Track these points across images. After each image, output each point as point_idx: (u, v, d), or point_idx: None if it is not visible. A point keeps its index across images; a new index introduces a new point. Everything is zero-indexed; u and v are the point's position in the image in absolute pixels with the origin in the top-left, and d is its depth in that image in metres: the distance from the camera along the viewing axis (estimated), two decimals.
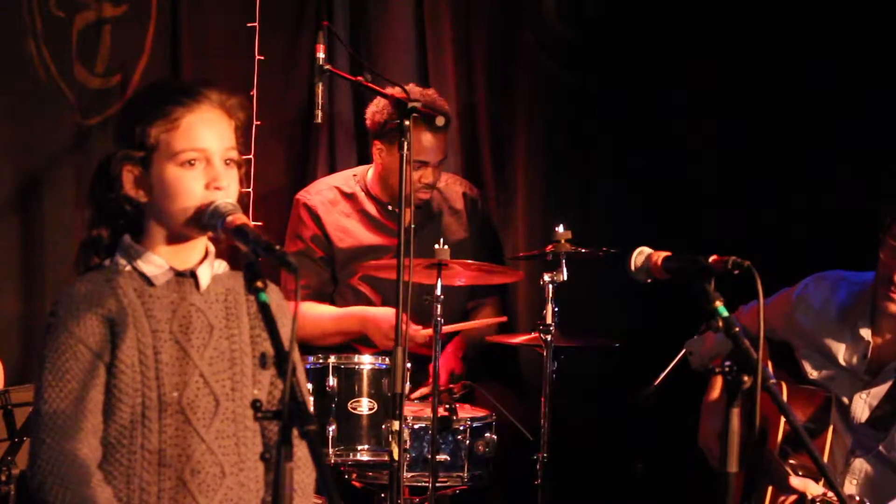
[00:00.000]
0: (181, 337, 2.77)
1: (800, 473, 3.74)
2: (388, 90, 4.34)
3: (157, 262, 2.78)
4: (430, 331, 4.37)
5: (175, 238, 2.79)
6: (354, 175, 5.12)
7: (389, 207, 4.99)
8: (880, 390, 3.85)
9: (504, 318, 5.03)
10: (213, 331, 2.80)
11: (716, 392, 4.03)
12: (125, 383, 2.72)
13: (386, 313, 4.79)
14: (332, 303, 5.03)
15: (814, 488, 3.70)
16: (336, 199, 5.04)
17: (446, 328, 4.45)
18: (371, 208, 5.04)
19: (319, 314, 4.91)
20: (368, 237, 5.01)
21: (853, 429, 3.86)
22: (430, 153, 4.89)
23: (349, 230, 5.02)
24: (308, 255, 4.97)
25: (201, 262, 2.82)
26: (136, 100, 2.96)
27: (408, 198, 4.86)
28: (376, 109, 4.92)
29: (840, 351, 3.89)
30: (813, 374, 3.93)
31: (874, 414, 3.83)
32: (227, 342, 2.81)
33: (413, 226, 4.86)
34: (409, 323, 4.62)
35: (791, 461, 3.78)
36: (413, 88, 4.88)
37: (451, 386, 4.75)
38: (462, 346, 5.07)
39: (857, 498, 3.78)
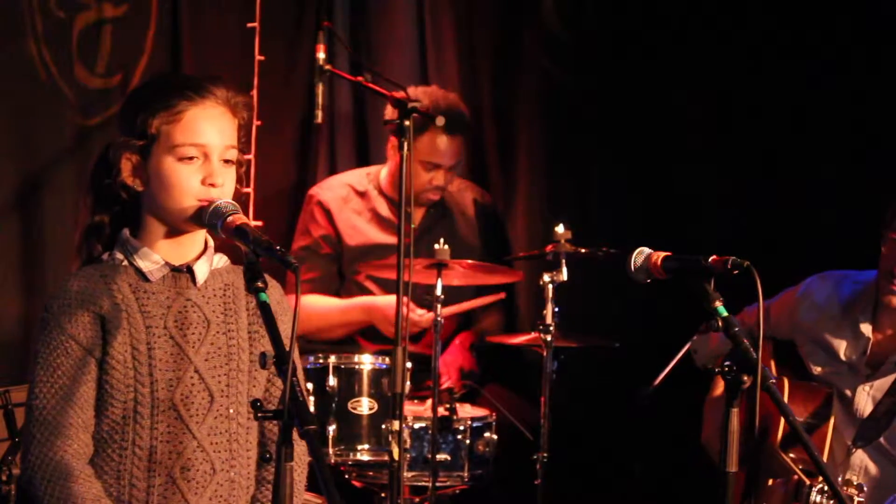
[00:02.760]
0: (176, 333, 2.77)
1: (800, 467, 3.76)
2: (396, 93, 4.34)
3: (154, 257, 2.78)
4: (433, 314, 4.38)
5: (172, 231, 2.79)
6: (368, 174, 5.12)
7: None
8: (883, 383, 3.88)
9: (502, 295, 5.02)
10: (209, 326, 2.80)
11: (719, 390, 4.04)
12: (117, 379, 2.72)
13: (390, 301, 4.79)
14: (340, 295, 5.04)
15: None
16: (349, 197, 5.05)
17: (447, 310, 4.45)
18: (383, 207, 5.04)
19: (325, 306, 4.91)
20: (378, 236, 5.01)
21: (856, 422, 3.88)
22: (443, 156, 4.89)
23: (359, 228, 5.02)
24: (316, 249, 4.98)
25: (199, 256, 2.82)
26: (142, 89, 2.95)
27: (415, 197, 4.91)
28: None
29: (841, 346, 3.92)
30: (816, 370, 3.95)
31: (877, 407, 3.84)
32: (223, 338, 2.81)
33: (414, 226, 4.88)
34: (413, 308, 4.64)
35: (791, 455, 3.80)
36: (435, 91, 4.89)
37: (452, 386, 4.75)
38: (470, 340, 5.06)
39: (856, 482, 3.79)
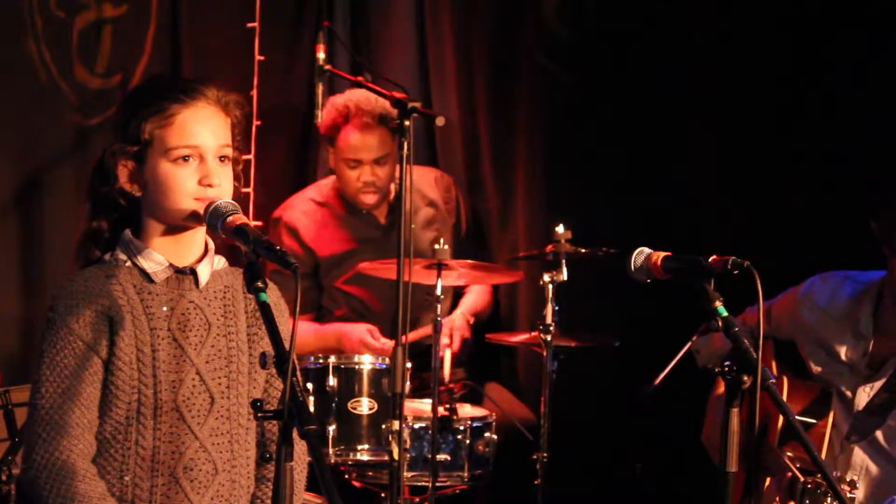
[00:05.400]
0: (179, 335, 2.78)
1: (797, 466, 3.76)
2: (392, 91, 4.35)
3: (158, 258, 2.78)
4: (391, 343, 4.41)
5: (172, 231, 2.79)
6: (325, 184, 5.13)
7: (364, 212, 5.01)
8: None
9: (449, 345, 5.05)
10: (210, 328, 2.81)
11: (721, 388, 4.04)
12: (122, 380, 2.73)
13: (356, 329, 4.82)
14: (320, 309, 5.04)
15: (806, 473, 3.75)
16: (311, 210, 5.05)
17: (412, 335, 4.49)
18: (345, 214, 5.04)
19: (302, 331, 4.88)
20: (345, 243, 5.02)
21: (852, 417, 3.89)
22: (360, 151, 4.88)
23: (327, 239, 5.02)
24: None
25: (201, 258, 2.83)
26: (134, 94, 2.97)
27: (354, 199, 4.94)
28: (323, 117, 4.93)
29: (842, 347, 3.92)
30: (817, 369, 3.95)
31: (872, 401, 3.84)
32: (224, 340, 2.82)
33: (385, 224, 4.90)
34: (377, 336, 4.68)
35: (788, 453, 3.81)
36: (363, 93, 4.83)
37: (451, 385, 4.75)
38: (472, 310, 5.06)
39: (848, 479, 3.79)
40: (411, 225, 4.13)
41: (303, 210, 5.05)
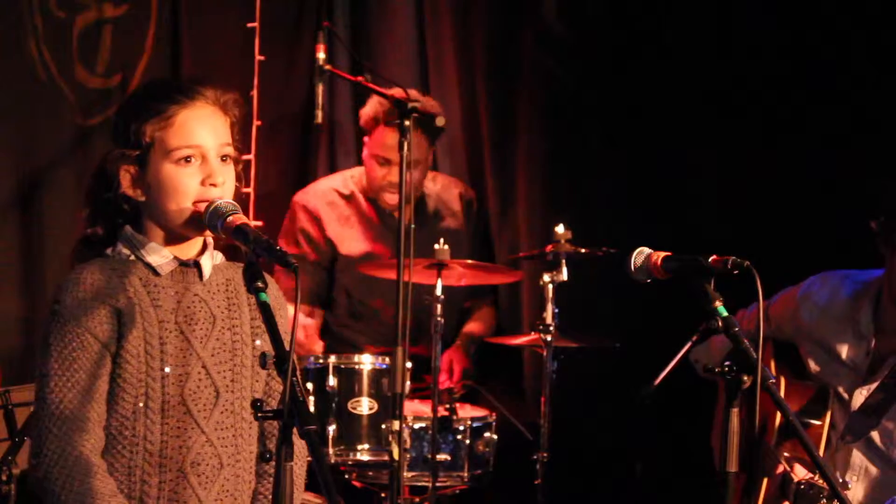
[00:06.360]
0: (185, 328, 2.78)
1: (794, 465, 3.76)
2: (389, 90, 4.35)
3: (163, 252, 2.78)
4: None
5: (172, 237, 2.79)
6: (352, 176, 5.12)
7: (388, 212, 4.99)
8: None
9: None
10: (215, 321, 2.81)
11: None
12: (130, 374, 2.72)
13: None
14: (329, 303, 5.03)
15: (799, 471, 3.73)
16: (335, 202, 5.04)
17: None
18: (369, 211, 5.04)
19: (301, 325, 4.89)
20: (366, 243, 5.01)
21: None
22: (393, 151, 4.86)
23: (347, 235, 5.01)
24: (305, 258, 4.96)
25: (201, 252, 2.83)
26: (132, 99, 2.97)
27: (376, 195, 4.93)
28: (366, 108, 4.95)
29: (843, 348, 3.91)
30: (815, 369, 3.95)
31: (867, 402, 3.84)
32: (228, 332, 2.82)
33: (413, 226, 4.89)
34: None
35: (785, 453, 3.81)
36: (413, 93, 4.86)
37: (452, 386, 4.75)
38: (466, 344, 5.07)
39: (842, 480, 3.80)
40: (411, 225, 4.13)
41: (327, 201, 5.04)
